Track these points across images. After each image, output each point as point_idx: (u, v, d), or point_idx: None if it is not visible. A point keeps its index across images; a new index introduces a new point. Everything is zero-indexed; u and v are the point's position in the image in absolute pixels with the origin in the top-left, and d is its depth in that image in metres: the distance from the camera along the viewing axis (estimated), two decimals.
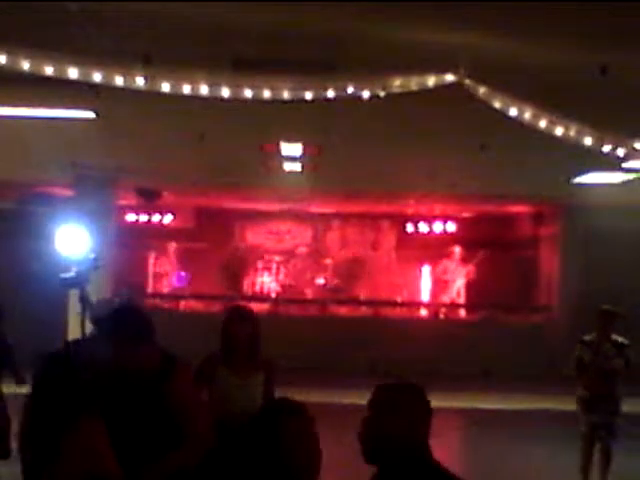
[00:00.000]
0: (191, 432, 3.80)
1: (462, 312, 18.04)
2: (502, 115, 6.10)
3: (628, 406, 8.13)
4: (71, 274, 4.14)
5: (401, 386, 2.91)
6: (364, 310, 17.59)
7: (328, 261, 19.18)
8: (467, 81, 5.76)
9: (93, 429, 3.41)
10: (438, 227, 19.07)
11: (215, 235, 18.83)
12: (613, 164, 9.39)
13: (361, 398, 2.87)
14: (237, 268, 18.72)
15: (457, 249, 18.47)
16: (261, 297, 18.13)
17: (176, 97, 5.92)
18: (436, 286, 18.76)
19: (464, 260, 18.34)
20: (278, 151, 10.60)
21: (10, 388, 7.12)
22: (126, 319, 3.93)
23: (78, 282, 4.16)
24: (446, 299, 18.32)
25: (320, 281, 18.80)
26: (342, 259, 19.30)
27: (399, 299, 18.23)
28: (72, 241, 4.13)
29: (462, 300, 18.29)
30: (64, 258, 4.08)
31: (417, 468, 2.75)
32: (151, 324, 3.92)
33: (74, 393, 3.56)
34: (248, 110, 6.92)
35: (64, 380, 3.61)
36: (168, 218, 18.67)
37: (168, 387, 3.82)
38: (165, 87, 5.69)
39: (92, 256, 4.22)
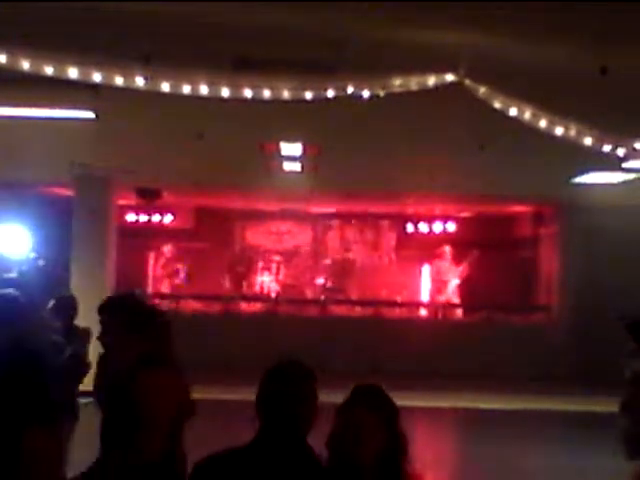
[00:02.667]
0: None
1: (462, 312, 18.03)
2: (502, 115, 6.10)
3: None
4: (13, 275, 4.17)
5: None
6: (364, 310, 17.58)
7: (328, 261, 19.18)
8: (467, 81, 5.76)
9: (44, 438, 3.42)
10: (438, 227, 19.07)
11: (215, 235, 18.83)
12: (613, 164, 9.39)
13: None
14: (242, 268, 18.74)
15: (457, 249, 18.44)
16: (261, 297, 18.13)
17: (176, 97, 5.92)
18: (436, 286, 18.75)
19: (464, 260, 18.32)
20: (278, 151, 10.60)
21: None
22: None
23: (21, 283, 4.18)
24: (445, 299, 18.29)
25: (320, 281, 18.79)
26: (342, 259, 19.29)
27: (399, 299, 18.23)
28: (13, 241, 4.17)
29: (462, 300, 18.28)
30: (4, 258, 4.13)
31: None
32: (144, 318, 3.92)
33: (27, 403, 3.55)
34: (248, 110, 6.92)
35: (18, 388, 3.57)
36: (168, 218, 18.67)
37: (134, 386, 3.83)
38: (165, 87, 5.69)
39: (33, 256, 4.27)
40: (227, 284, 18.34)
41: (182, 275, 18.34)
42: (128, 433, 3.68)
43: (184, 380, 3.93)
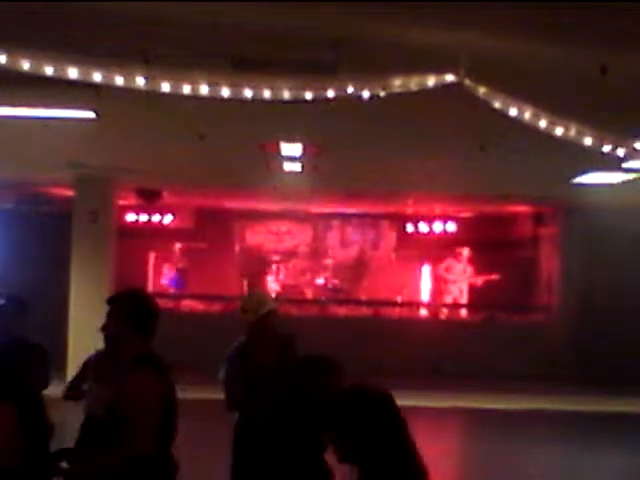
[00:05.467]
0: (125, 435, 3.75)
1: (462, 312, 18.03)
2: (502, 115, 6.09)
3: (629, 406, 8.17)
4: None
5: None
6: (364, 310, 17.59)
7: (328, 261, 19.18)
8: (467, 81, 5.75)
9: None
10: (438, 227, 19.08)
11: (215, 235, 18.84)
12: (613, 164, 9.39)
13: None
14: (256, 268, 18.78)
15: (457, 249, 18.45)
16: None
17: (176, 97, 5.92)
18: (436, 286, 18.76)
19: (464, 260, 18.33)
20: (278, 151, 10.60)
21: None
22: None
23: None
24: (453, 299, 18.29)
25: (320, 281, 18.80)
26: (342, 259, 19.30)
27: (399, 299, 18.23)
28: None
29: (462, 300, 18.29)
30: None
31: None
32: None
33: None
34: (248, 110, 6.92)
35: None
36: (168, 218, 18.67)
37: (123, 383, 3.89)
38: (165, 87, 5.68)
39: None
40: (248, 284, 18.39)
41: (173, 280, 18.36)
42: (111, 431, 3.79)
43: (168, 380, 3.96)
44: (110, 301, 4.01)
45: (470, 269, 18.11)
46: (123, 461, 3.70)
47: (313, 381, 4.49)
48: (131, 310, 3.94)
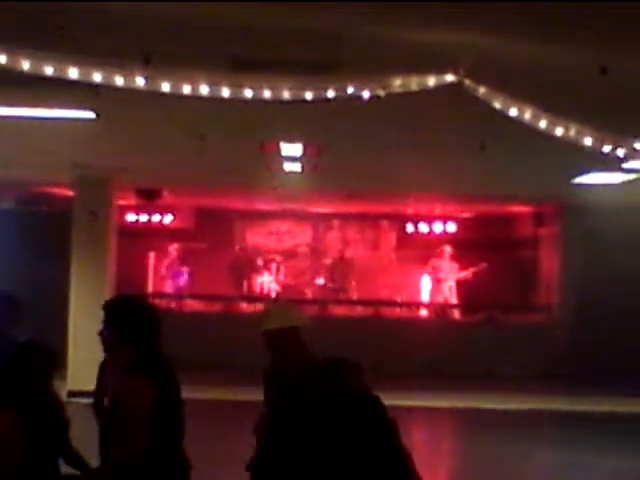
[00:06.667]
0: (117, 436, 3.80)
1: (462, 312, 18.01)
2: (502, 115, 6.09)
3: (629, 406, 8.18)
4: None
5: None
6: (364, 310, 17.58)
7: (328, 261, 19.17)
8: (467, 81, 5.75)
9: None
10: (438, 227, 19.07)
11: (215, 235, 18.84)
12: (613, 164, 9.39)
13: None
14: (243, 268, 18.76)
15: (457, 249, 18.42)
16: (261, 297, 18.11)
17: (176, 97, 5.92)
18: (434, 285, 18.74)
19: (464, 260, 18.30)
20: (278, 151, 10.60)
21: None
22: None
23: None
24: (443, 299, 18.27)
25: (320, 281, 18.79)
26: (342, 259, 19.29)
27: (399, 299, 18.22)
28: None
29: (462, 300, 18.26)
30: None
31: None
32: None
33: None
34: (248, 110, 6.92)
35: None
36: (168, 218, 18.67)
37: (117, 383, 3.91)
38: (165, 87, 5.69)
39: None
40: (233, 284, 18.36)
41: (185, 277, 18.33)
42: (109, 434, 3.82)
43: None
44: (103, 307, 4.04)
45: (472, 277, 18.04)
46: (119, 465, 3.72)
47: (334, 384, 4.41)
48: (119, 316, 3.97)
